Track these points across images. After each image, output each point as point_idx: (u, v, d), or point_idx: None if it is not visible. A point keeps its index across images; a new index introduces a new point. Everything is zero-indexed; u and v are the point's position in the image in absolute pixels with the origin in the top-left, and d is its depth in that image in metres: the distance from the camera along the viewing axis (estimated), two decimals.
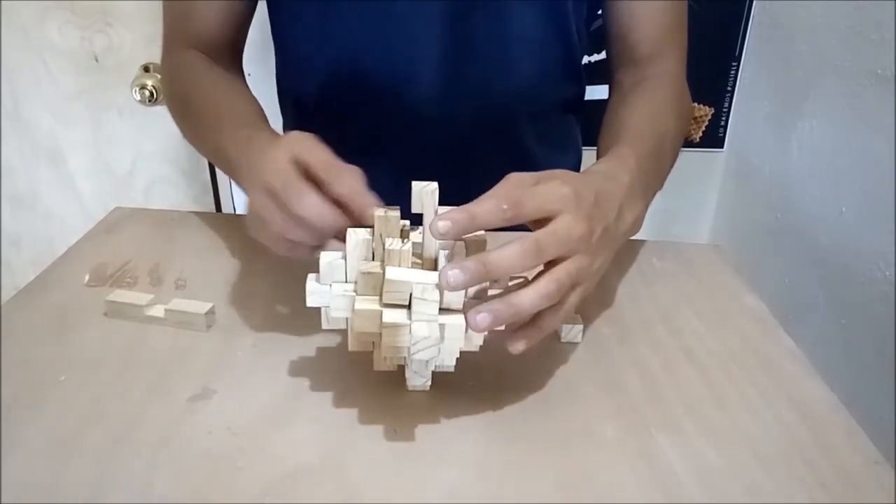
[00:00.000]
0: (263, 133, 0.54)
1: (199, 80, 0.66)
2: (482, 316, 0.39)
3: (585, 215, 0.43)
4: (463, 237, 0.41)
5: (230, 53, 0.73)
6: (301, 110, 0.79)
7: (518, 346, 0.43)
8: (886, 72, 0.83)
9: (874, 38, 0.86)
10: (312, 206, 0.43)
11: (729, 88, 1.21)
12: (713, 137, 1.24)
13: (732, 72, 1.20)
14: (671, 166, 0.63)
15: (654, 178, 0.57)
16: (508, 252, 0.40)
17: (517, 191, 0.42)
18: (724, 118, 1.24)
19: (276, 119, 1.14)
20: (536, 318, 0.42)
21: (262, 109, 0.63)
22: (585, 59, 0.81)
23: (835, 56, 0.94)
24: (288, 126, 0.82)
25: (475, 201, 0.41)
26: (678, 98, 0.68)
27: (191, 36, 0.70)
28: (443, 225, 0.39)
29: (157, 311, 0.53)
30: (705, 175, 1.28)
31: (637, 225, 0.52)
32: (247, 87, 0.72)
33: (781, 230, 1.07)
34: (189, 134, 0.67)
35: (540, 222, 0.42)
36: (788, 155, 1.05)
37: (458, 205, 0.43)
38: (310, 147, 0.46)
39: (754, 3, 1.15)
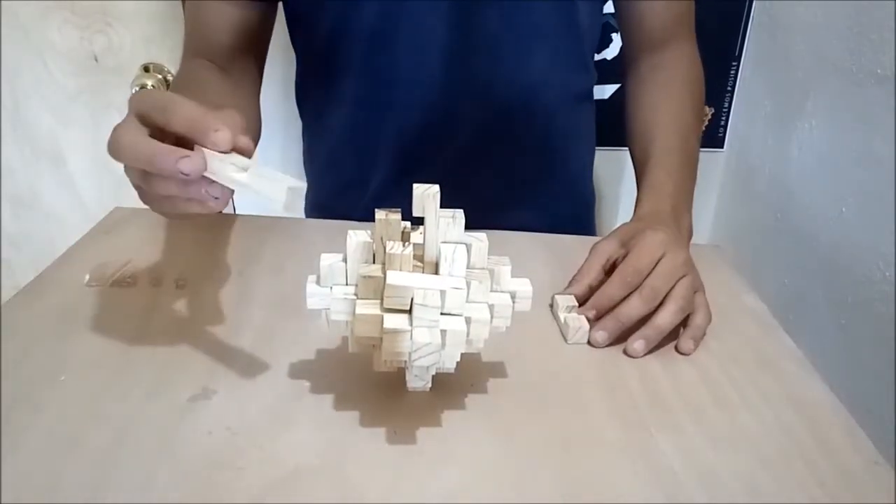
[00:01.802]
0: None
1: (201, 81, 0.66)
2: (639, 343, 0.52)
3: (683, 247, 0.57)
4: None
5: (243, 61, 0.71)
6: (318, 112, 0.79)
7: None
8: (886, 72, 0.83)
9: (874, 38, 0.86)
10: (128, 144, 0.42)
11: (729, 88, 1.21)
12: (713, 137, 1.24)
13: (732, 72, 1.20)
14: (698, 153, 0.71)
15: (688, 181, 0.67)
16: (635, 304, 0.52)
17: (635, 265, 0.54)
18: (723, 118, 1.24)
19: (278, 126, 1.14)
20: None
21: (250, 116, 0.65)
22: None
23: (835, 56, 0.94)
24: (307, 129, 0.82)
25: (620, 306, 0.53)
26: (693, 81, 0.75)
27: (203, 42, 0.70)
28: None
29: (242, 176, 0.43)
30: (705, 175, 1.28)
31: (691, 230, 0.65)
32: (250, 96, 0.71)
33: (781, 230, 1.07)
34: None
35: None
36: (788, 155, 1.05)
37: (460, 206, 0.43)
38: (146, 99, 0.43)
39: (754, 3, 1.15)
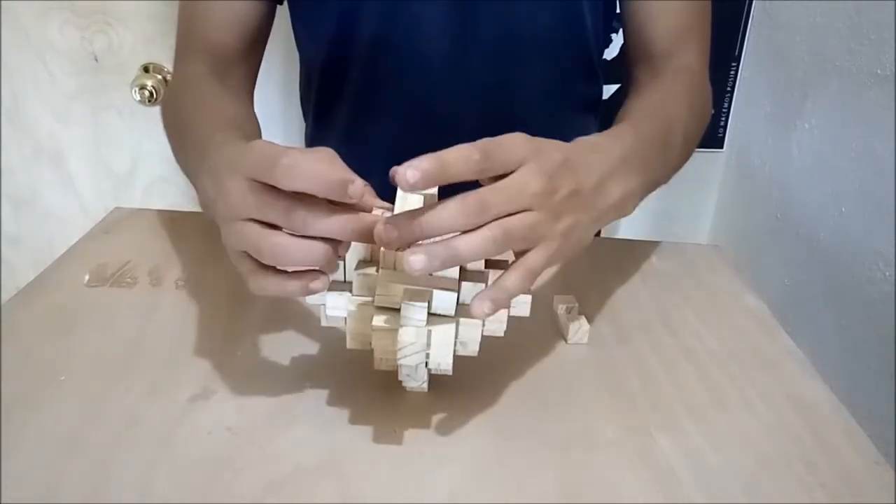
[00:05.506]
0: (231, 139, 0.47)
1: (197, 92, 0.62)
2: (417, 257, 0.36)
3: (545, 171, 0.39)
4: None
5: (241, 62, 0.69)
6: (319, 113, 0.79)
7: (483, 309, 0.39)
8: (886, 72, 0.83)
9: (874, 38, 0.86)
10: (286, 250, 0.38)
11: (729, 88, 1.21)
12: (713, 137, 1.24)
13: (732, 72, 1.20)
14: (682, 158, 0.60)
15: (656, 161, 0.53)
16: (448, 208, 0.36)
17: (489, 142, 0.39)
18: (723, 118, 1.24)
19: (277, 126, 1.14)
20: (498, 279, 0.40)
21: (253, 123, 0.60)
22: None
23: (835, 56, 0.94)
24: (310, 129, 0.82)
25: (445, 150, 0.38)
26: (695, 91, 0.65)
27: (201, 41, 0.67)
28: (412, 174, 0.36)
29: None
30: (705, 175, 1.28)
31: (627, 202, 0.47)
32: (250, 103, 0.69)
33: (781, 230, 1.07)
34: (174, 148, 0.60)
35: (501, 178, 0.39)
36: (788, 155, 1.05)
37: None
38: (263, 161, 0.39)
39: (754, 3, 1.15)
